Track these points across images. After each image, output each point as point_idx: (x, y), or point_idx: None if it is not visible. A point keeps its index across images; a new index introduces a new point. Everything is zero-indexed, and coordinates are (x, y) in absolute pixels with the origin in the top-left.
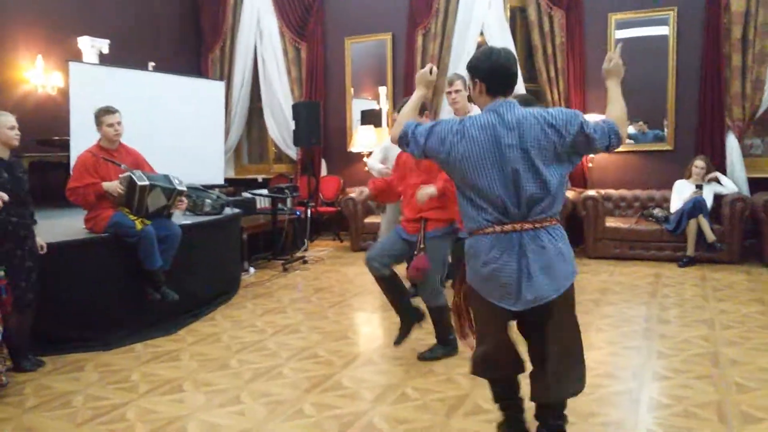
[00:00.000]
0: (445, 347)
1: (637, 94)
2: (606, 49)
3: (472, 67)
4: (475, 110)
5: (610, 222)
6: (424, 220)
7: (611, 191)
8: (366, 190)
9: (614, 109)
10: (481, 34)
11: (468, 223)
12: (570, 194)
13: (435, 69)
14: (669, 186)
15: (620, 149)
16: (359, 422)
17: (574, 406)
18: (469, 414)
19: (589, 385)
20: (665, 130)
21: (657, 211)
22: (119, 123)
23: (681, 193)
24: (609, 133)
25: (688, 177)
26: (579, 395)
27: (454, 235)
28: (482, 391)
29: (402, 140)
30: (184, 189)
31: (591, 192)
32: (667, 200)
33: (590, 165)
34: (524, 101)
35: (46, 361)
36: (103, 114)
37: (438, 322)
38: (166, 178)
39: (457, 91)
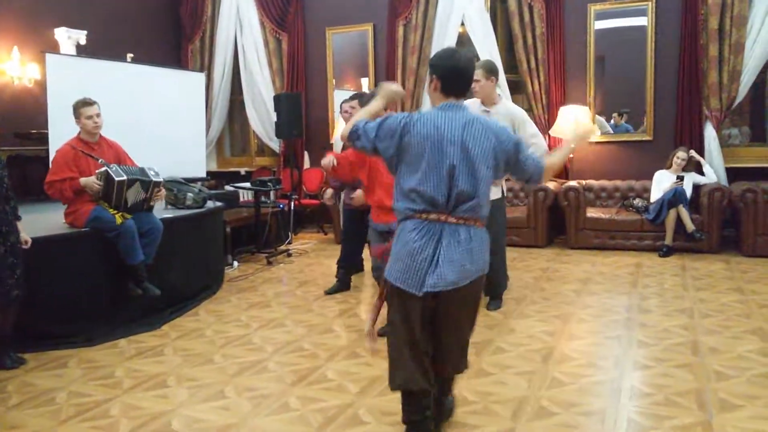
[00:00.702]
0: None
1: (616, 84)
2: (586, 40)
3: (432, 64)
4: (501, 102)
5: (591, 212)
6: None
7: (592, 182)
8: None
9: (554, 160)
10: (462, 24)
11: (397, 213)
12: (551, 185)
13: (402, 93)
14: (649, 176)
15: (601, 140)
16: (344, 415)
17: (555, 397)
18: None
19: (570, 375)
20: (644, 121)
21: (637, 201)
22: (98, 115)
23: (661, 183)
24: (534, 171)
25: (669, 167)
26: (561, 386)
27: None
28: (466, 383)
29: (352, 135)
30: (161, 180)
31: (572, 183)
32: (647, 190)
33: (571, 156)
34: None
35: (28, 358)
36: (81, 106)
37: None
38: (142, 170)
39: (476, 81)
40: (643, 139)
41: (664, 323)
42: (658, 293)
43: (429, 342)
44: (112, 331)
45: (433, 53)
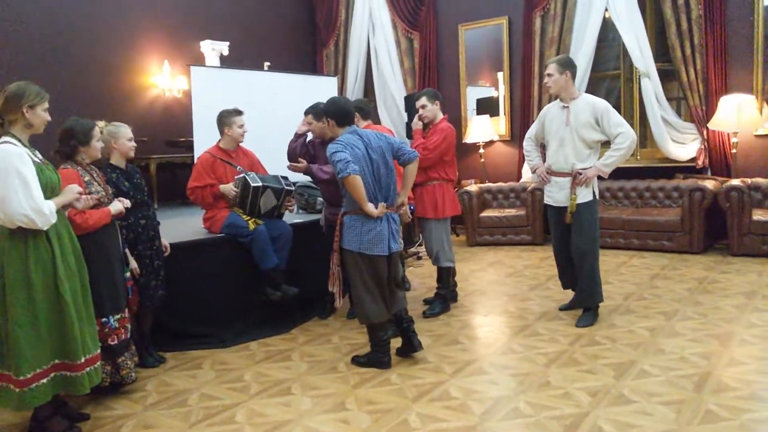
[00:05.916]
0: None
1: None
2: (753, 20)
3: (324, 111)
4: (581, 96)
5: (758, 215)
6: None
7: (759, 180)
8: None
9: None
10: (606, 10)
11: (352, 205)
12: (710, 184)
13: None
14: None
15: None
16: None
17: None
18: None
19: (729, 408)
20: None
21: None
22: (244, 124)
23: None
24: (408, 158)
25: None
26: (717, 421)
27: None
28: (603, 411)
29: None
30: (292, 189)
31: (735, 182)
32: None
33: (734, 151)
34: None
35: (168, 357)
36: (235, 115)
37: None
38: (275, 178)
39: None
40: None
41: None
42: None
43: None
44: (245, 333)
45: (573, 44)
